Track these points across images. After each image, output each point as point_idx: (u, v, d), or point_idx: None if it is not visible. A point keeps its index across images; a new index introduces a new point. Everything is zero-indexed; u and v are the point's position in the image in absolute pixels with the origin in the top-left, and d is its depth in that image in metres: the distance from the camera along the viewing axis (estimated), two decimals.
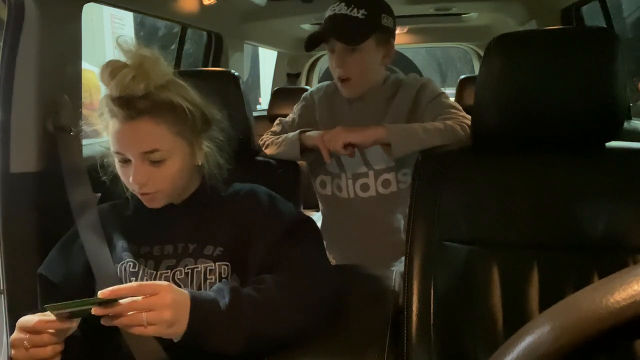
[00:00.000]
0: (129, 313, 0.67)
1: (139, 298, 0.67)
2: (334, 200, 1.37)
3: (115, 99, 0.80)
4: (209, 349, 0.72)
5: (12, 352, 0.72)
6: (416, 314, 0.91)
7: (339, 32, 1.20)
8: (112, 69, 0.79)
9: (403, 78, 1.33)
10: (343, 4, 1.21)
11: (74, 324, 0.71)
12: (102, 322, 0.67)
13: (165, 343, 0.77)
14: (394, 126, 1.16)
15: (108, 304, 0.66)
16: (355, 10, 1.19)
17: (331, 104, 1.36)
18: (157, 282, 0.71)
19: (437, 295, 0.91)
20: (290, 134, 1.29)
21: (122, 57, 0.81)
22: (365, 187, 1.32)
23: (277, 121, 1.44)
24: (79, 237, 0.90)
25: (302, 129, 1.28)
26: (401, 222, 1.35)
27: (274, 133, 1.38)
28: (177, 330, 0.69)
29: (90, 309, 0.66)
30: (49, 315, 0.70)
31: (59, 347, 0.72)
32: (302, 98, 1.44)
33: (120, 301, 0.67)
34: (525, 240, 0.92)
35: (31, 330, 0.70)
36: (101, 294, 0.66)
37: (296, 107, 1.44)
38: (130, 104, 0.79)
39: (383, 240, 1.34)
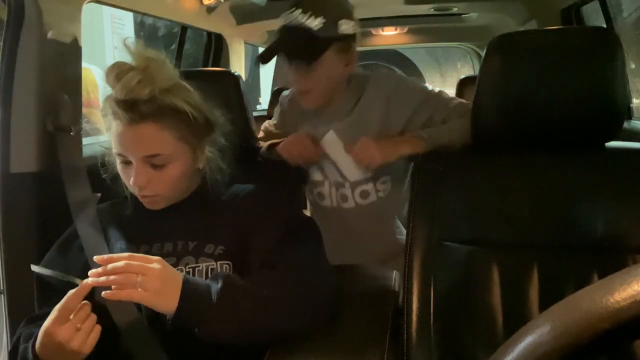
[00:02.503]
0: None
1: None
2: (318, 207, 1.33)
3: (120, 102, 0.80)
4: (201, 336, 0.73)
5: (51, 325, 0.71)
6: (416, 314, 0.90)
7: (292, 48, 1.11)
8: (119, 72, 0.79)
9: (370, 77, 1.22)
10: (298, 11, 1.09)
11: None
12: (103, 294, 0.69)
13: (160, 332, 0.77)
14: (429, 135, 1.10)
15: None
16: (311, 19, 1.08)
17: (298, 109, 1.28)
18: (150, 256, 0.74)
19: (437, 295, 0.91)
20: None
21: (122, 58, 0.82)
22: (344, 198, 1.26)
23: (262, 127, 1.39)
24: (76, 238, 0.90)
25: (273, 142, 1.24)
26: (391, 228, 1.29)
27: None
28: (166, 302, 0.71)
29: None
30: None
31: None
32: (279, 102, 1.39)
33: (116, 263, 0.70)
34: (525, 240, 0.92)
35: (67, 308, 0.71)
36: (97, 259, 0.71)
37: (275, 113, 1.39)
38: (134, 108, 0.79)
39: (369, 249, 1.29)
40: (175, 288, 0.72)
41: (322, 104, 1.20)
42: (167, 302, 0.71)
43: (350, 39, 1.14)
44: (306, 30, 1.08)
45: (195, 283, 0.74)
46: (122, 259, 0.71)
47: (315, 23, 1.08)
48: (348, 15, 1.13)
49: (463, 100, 1.19)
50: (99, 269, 0.70)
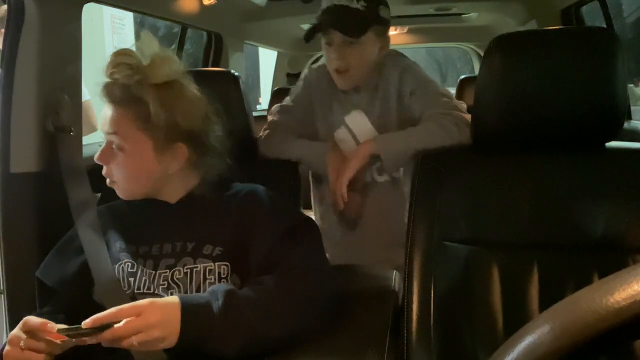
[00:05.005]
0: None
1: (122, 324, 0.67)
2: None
3: (104, 82, 0.85)
4: (207, 353, 0.72)
5: (6, 348, 0.72)
6: (416, 314, 0.91)
7: (340, 24, 1.19)
8: (115, 54, 0.85)
9: (385, 59, 1.29)
10: None
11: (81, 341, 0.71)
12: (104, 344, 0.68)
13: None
14: (381, 136, 1.19)
15: (98, 330, 0.67)
16: (355, 1, 1.19)
17: (328, 88, 1.32)
18: (138, 302, 0.71)
19: (437, 295, 0.91)
20: (319, 145, 1.26)
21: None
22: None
23: (276, 108, 1.36)
24: (75, 240, 0.90)
25: (333, 144, 1.26)
26: (401, 214, 1.28)
27: (276, 124, 1.32)
28: (170, 342, 0.69)
29: (88, 333, 0.68)
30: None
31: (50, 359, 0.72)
32: (302, 77, 1.39)
33: (104, 332, 0.67)
34: (525, 240, 0.92)
35: (31, 329, 0.71)
36: (84, 324, 0.67)
37: (295, 89, 1.38)
38: (109, 90, 0.84)
39: (377, 237, 1.31)
40: (175, 323, 0.70)
41: (357, 84, 1.27)
42: (169, 342, 0.69)
43: (386, 24, 1.25)
44: (353, 9, 1.18)
45: (194, 306, 0.72)
46: (110, 316, 0.67)
47: (359, 5, 1.18)
48: (385, 3, 1.25)
49: (455, 102, 1.19)
50: (92, 340, 0.68)
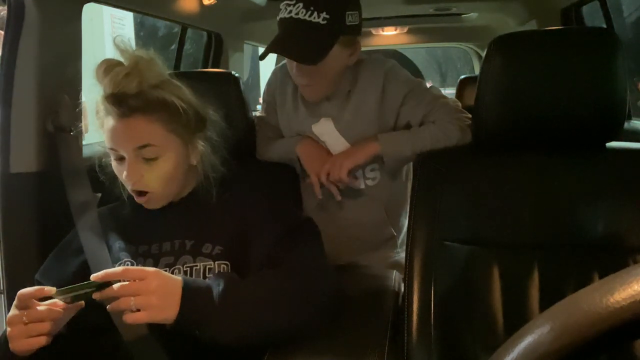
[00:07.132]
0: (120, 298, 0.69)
1: (126, 283, 0.69)
2: (309, 194, 1.25)
3: (109, 97, 0.81)
4: (202, 338, 0.72)
5: (8, 330, 0.71)
6: (416, 314, 0.91)
7: (295, 50, 1.03)
8: (107, 67, 0.81)
9: (363, 60, 1.16)
10: (301, 5, 1.01)
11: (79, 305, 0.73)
12: (108, 308, 0.70)
13: (160, 333, 0.76)
14: (386, 137, 1.10)
15: (103, 288, 0.70)
16: (315, 14, 1.00)
17: (294, 91, 1.21)
18: (145, 267, 0.72)
19: (437, 295, 0.91)
20: (288, 142, 1.21)
21: (119, 57, 0.83)
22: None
23: (257, 115, 1.33)
24: (74, 242, 0.90)
25: (300, 137, 1.20)
26: (382, 225, 1.24)
27: (257, 131, 1.28)
28: (167, 315, 0.70)
29: (91, 292, 0.69)
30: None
31: (55, 328, 0.72)
32: (268, 80, 1.30)
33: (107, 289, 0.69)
34: (525, 240, 0.92)
35: (28, 300, 0.70)
36: (94, 277, 0.69)
37: (264, 94, 1.31)
38: (123, 102, 0.81)
39: (361, 240, 1.25)
40: (175, 298, 0.70)
41: (324, 96, 1.15)
42: (167, 314, 0.70)
43: (356, 29, 1.07)
44: (310, 28, 1.00)
45: (195, 288, 0.73)
46: (117, 274, 0.69)
47: (319, 19, 1.00)
48: (354, 4, 1.06)
49: (451, 102, 1.14)
50: (101, 294, 0.69)
